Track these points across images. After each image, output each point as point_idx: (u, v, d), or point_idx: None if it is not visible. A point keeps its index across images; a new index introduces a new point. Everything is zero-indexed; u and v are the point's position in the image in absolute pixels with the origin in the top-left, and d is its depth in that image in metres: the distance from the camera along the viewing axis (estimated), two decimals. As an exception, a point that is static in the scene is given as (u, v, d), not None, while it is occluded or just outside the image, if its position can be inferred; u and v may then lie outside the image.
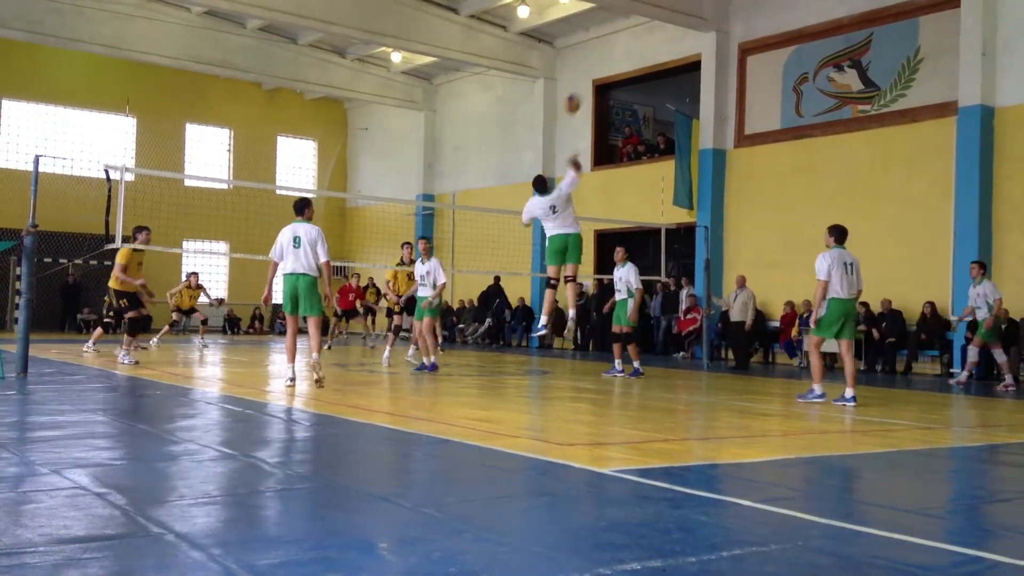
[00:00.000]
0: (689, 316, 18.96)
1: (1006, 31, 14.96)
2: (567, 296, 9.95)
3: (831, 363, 14.82)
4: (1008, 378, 12.64)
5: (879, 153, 16.70)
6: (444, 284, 12.35)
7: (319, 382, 9.64)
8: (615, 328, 13.07)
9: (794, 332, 16.87)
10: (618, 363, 12.87)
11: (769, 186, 18.37)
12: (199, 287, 18.18)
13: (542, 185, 9.82)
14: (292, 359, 9.77)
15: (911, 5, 16.30)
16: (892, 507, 4.56)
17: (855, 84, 17.11)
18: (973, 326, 12.99)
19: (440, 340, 16.38)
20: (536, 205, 9.74)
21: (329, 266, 9.64)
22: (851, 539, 3.81)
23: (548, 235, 9.84)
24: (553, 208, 9.66)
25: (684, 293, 19.34)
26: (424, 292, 12.38)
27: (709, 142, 19.13)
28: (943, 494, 5.34)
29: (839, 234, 9.62)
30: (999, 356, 12.81)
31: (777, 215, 18.12)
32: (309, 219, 9.79)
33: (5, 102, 25.47)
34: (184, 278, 19.14)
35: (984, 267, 12.88)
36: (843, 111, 17.27)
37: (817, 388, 9.63)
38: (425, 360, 12.57)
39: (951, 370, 15.20)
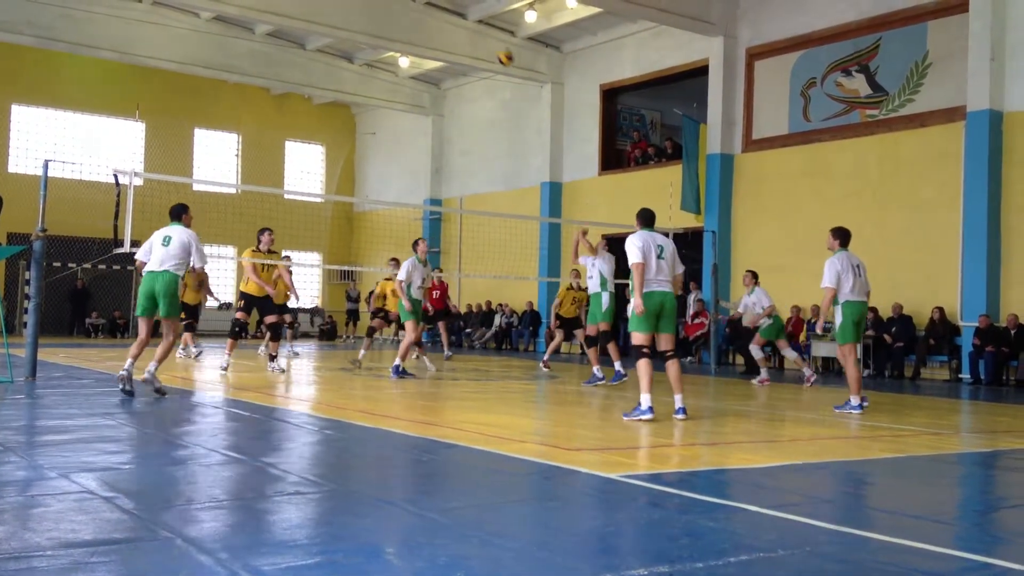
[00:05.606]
0: (697, 321, 18.95)
1: (1015, 35, 14.92)
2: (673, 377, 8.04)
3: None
4: (807, 371, 13.22)
5: (887, 158, 16.66)
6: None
7: (159, 391, 8.90)
8: (603, 327, 11.63)
9: (802, 337, 16.82)
10: (597, 369, 11.95)
11: (777, 191, 18.34)
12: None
13: (651, 219, 8.20)
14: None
15: (919, 10, 16.27)
16: (901, 513, 4.54)
17: (863, 89, 17.08)
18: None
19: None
20: (649, 241, 7.88)
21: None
22: (860, 545, 3.80)
23: (646, 290, 7.72)
24: (661, 250, 7.90)
25: (692, 298, 19.32)
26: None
27: (717, 147, 19.12)
28: (952, 500, 5.32)
29: (844, 237, 9.29)
30: (789, 354, 13.93)
31: (785, 220, 18.09)
32: (187, 224, 9.02)
33: (15, 107, 25.60)
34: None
35: (756, 276, 13.51)
36: (851, 116, 17.23)
37: (854, 399, 8.99)
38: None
39: (960, 375, 15.17)
